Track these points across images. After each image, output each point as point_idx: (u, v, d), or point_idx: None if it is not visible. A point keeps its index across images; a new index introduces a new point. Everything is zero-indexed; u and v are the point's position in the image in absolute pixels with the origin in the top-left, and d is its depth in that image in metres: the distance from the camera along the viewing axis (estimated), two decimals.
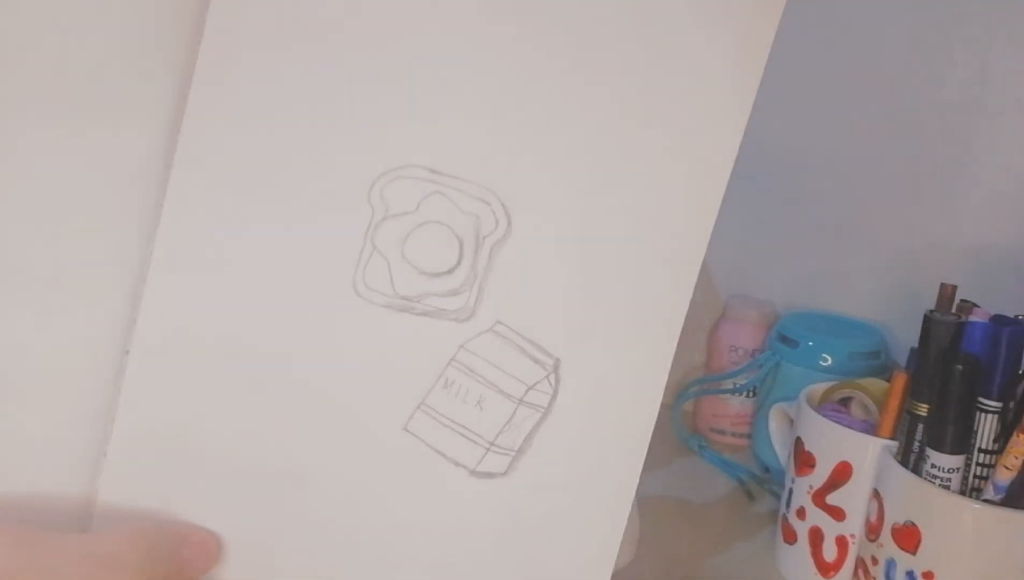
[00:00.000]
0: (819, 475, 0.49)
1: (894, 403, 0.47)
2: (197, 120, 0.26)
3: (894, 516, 0.43)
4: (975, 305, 0.47)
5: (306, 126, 0.26)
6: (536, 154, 0.26)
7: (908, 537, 0.42)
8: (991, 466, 0.43)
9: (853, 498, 0.47)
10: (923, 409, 0.44)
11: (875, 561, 0.45)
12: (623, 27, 0.25)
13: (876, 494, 0.45)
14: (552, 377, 0.26)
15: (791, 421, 0.55)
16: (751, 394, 0.70)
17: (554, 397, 0.26)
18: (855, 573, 0.48)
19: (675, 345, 0.25)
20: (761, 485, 0.64)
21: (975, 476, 0.43)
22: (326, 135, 0.26)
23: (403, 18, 0.26)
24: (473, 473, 0.26)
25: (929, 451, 0.43)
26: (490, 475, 0.26)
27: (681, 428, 0.73)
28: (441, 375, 0.26)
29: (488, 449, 0.26)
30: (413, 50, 0.26)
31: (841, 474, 0.48)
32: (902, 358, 0.61)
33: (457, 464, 0.26)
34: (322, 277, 0.26)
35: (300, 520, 0.27)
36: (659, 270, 0.26)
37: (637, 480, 0.26)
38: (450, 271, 0.26)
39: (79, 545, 0.25)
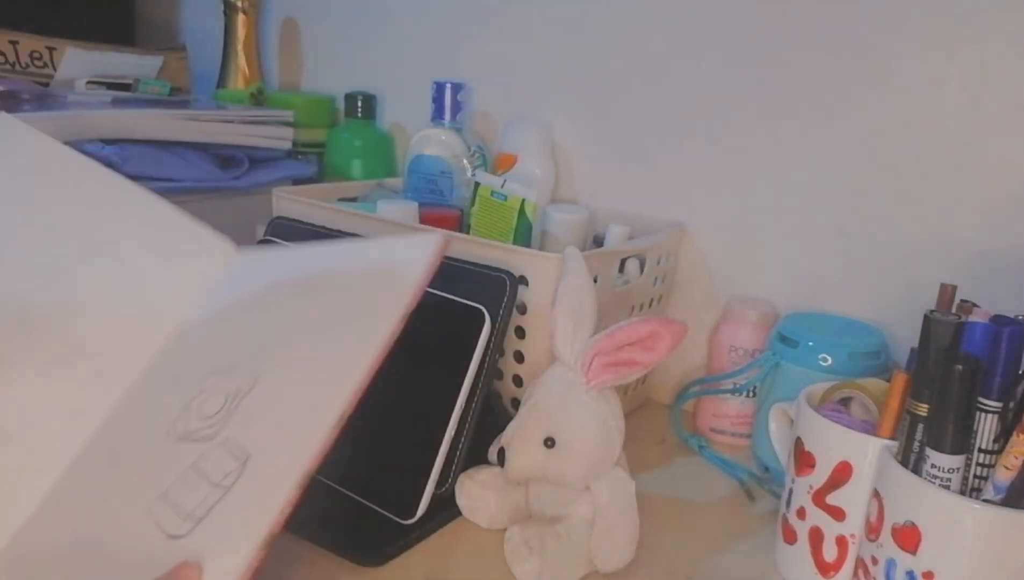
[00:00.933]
0: (819, 475, 0.49)
1: (894, 403, 0.47)
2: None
3: (894, 516, 0.43)
4: (975, 305, 0.47)
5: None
6: (269, 352, 0.44)
7: (908, 537, 0.42)
8: (991, 466, 0.43)
9: (853, 498, 0.48)
10: (923, 409, 0.44)
11: (875, 561, 0.45)
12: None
13: (876, 494, 0.45)
14: (241, 467, 0.38)
15: (791, 421, 0.55)
16: (751, 394, 0.70)
17: (236, 481, 0.38)
18: (855, 573, 0.48)
19: (308, 461, 0.36)
20: (761, 485, 0.64)
21: (975, 476, 0.43)
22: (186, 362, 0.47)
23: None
24: (170, 536, 0.37)
25: (929, 451, 0.43)
26: (177, 536, 0.37)
27: (681, 428, 0.73)
28: (184, 473, 0.40)
29: (185, 518, 0.38)
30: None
31: (841, 474, 0.48)
32: (902, 358, 0.61)
33: (163, 530, 0.38)
34: (157, 424, 0.43)
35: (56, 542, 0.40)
36: (310, 417, 0.39)
37: (259, 541, 0.35)
38: (216, 414, 0.42)
39: None
